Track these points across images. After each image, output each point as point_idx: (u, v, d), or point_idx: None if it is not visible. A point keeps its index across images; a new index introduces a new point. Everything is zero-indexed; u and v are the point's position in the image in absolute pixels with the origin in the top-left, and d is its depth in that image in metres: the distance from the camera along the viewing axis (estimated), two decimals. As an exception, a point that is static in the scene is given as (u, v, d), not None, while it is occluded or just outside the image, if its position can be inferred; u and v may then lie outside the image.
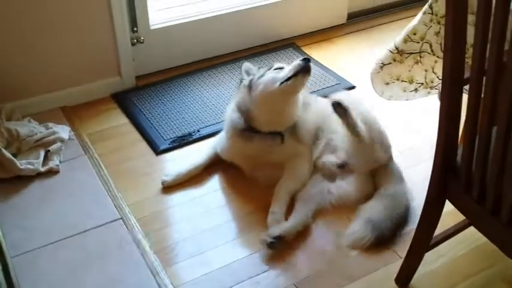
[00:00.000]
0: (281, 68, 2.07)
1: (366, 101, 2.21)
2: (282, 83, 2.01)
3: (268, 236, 1.87)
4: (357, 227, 1.91)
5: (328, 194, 2.03)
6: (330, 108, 1.98)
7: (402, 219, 1.95)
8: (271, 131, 2.07)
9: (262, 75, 2.06)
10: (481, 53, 1.27)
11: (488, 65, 1.25)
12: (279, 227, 1.90)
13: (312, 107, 2.20)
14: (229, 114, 2.16)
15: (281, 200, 2.01)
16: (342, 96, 2.02)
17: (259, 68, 2.16)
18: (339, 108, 1.95)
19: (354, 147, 2.02)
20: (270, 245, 1.86)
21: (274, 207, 1.99)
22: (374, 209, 1.95)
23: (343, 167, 2.04)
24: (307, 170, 2.11)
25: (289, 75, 2.01)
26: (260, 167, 2.13)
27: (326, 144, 2.12)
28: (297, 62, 2.02)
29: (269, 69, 2.10)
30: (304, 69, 1.99)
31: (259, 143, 2.07)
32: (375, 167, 2.08)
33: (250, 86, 2.07)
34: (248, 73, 2.13)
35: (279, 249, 1.87)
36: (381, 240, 1.89)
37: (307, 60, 2.01)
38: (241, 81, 2.16)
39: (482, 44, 1.26)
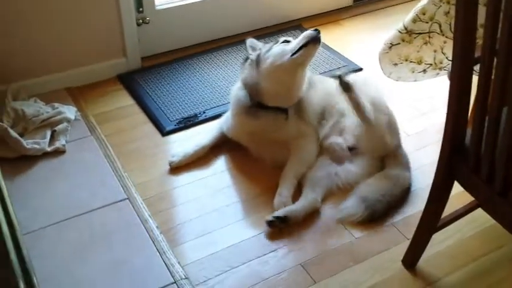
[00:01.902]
0: (288, 42, 2.07)
1: (377, 84, 2.20)
2: (292, 54, 2.00)
3: (271, 215, 1.88)
4: (351, 203, 1.94)
5: (336, 177, 2.03)
6: (337, 88, 1.97)
7: (396, 201, 1.97)
8: (278, 106, 2.06)
9: (270, 49, 2.06)
10: (492, 32, 1.25)
11: (500, 45, 1.24)
12: (285, 209, 1.90)
13: (318, 86, 2.18)
14: (235, 92, 2.15)
15: (288, 183, 2.01)
16: (353, 77, 2.01)
17: (264, 43, 2.14)
18: (344, 82, 1.93)
19: (363, 131, 2.01)
20: (270, 223, 1.86)
21: (282, 189, 1.99)
22: (371, 188, 1.97)
23: (351, 150, 2.04)
24: (313, 153, 2.10)
25: (300, 45, 2.00)
26: (266, 147, 2.13)
27: (333, 125, 2.11)
28: (307, 32, 2.02)
29: (276, 43, 2.09)
30: (314, 39, 2.00)
31: (265, 119, 2.07)
32: (383, 153, 2.07)
33: (258, 60, 2.06)
34: (253, 48, 2.12)
35: (280, 229, 1.87)
36: (372, 218, 1.91)
37: (317, 30, 2.01)
38: (246, 59, 2.14)
39: (493, 23, 1.24)
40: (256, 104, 2.07)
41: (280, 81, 2.03)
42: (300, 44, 2.00)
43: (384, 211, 1.93)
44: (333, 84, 2.04)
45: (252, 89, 2.07)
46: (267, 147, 2.13)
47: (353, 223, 1.91)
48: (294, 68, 2.03)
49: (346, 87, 1.94)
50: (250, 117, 2.08)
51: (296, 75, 2.05)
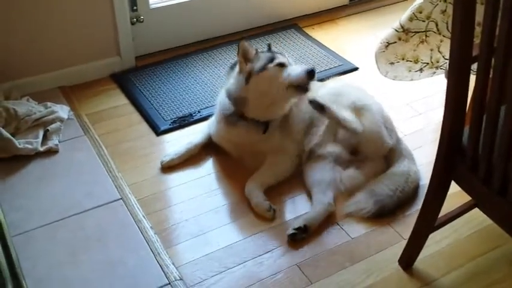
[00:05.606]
0: (283, 65, 1.98)
1: (354, 86, 2.19)
2: (287, 87, 1.96)
3: (291, 227, 1.85)
4: (360, 197, 1.94)
5: (340, 184, 2.00)
6: (329, 94, 1.97)
7: (406, 198, 1.96)
8: (257, 119, 2.04)
9: (263, 68, 1.98)
10: (490, 30, 1.24)
11: (498, 42, 1.23)
12: (303, 217, 1.88)
13: (311, 93, 2.15)
14: (222, 98, 2.11)
15: (257, 192, 1.98)
16: (326, 91, 2.03)
17: (256, 51, 2.04)
18: (316, 105, 1.94)
19: (358, 137, 2.01)
20: (292, 236, 1.84)
21: (254, 200, 1.96)
22: (381, 184, 1.96)
23: (355, 154, 2.03)
24: (287, 171, 2.07)
25: (294, 84, 1.95)
26: (246, 155, 2.12)
27: (326, 131, 2.07)
28: (302, 74, 1.93)
29: (270, 61, 1.99)
30: (303, 89, 1.95)
31: (242, 129, 2.04)
32: (384, 152, 2.06)
33: (248, 77, 1.99)
34: (245, 56, 2.01)
35: (302, 239, 1.84)
36: (380, 214, 1.91)
37: (311, 72, 1.93)
38: (233, 65, 2.09)
39: (491, 20, 1.23)
40: (236, 113, 2.04)
41: (267, 103, 2.01)
42: (294, 83, 1.95)
43: (393, 207, 1.93)
44: (322, 89, 2.02)
45: (236, 99, 2.03)
46: (247, 156, 2.12)
47: (357, 220, 1.91)
48: (286, 99, 2.01)
49: (321, 109, 1.94)
50: (230, 125, 2.06)
51: (284, 101, 2.03)
